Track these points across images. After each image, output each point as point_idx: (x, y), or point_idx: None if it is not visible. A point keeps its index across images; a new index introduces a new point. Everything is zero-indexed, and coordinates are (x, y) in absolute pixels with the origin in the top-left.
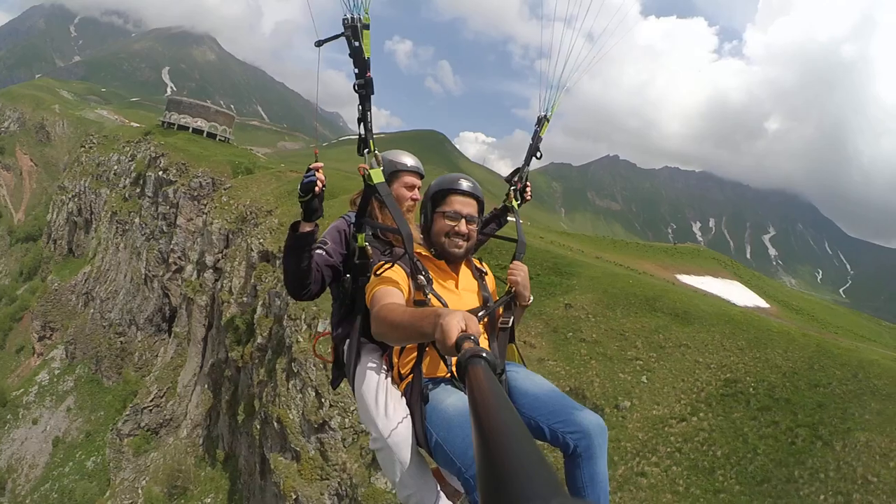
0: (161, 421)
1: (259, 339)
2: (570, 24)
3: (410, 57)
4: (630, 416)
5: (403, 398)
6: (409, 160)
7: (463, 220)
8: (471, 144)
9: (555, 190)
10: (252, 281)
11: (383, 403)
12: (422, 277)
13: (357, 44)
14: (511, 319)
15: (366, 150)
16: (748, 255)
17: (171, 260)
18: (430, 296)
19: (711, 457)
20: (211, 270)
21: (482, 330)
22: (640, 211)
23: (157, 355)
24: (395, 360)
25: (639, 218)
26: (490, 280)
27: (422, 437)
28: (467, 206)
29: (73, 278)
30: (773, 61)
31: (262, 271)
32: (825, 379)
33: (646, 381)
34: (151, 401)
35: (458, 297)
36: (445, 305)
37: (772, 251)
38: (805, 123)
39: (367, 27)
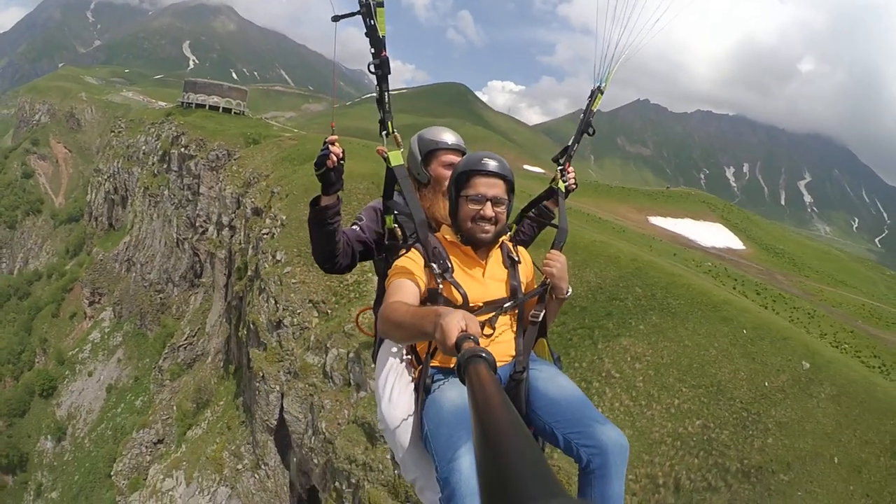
0: (193, 357)
1: (249, 272)
2: None
3: (430, 9)
4: None
5: (412, 384)
6: (448, 137)
7: (489, 203)
8: (499, 94)
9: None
10: (246, 231)
11: (390, 387)
12: (434, 266)
13: (372, 22)
14: (542, 313)
15: (384, 133)
16: (782, 202)
17: (197, 224)
18: (442, 284)
19: None
20: (227, 228)
21: (510, 321)
22: (672, 156)
23: (189, 304)
24: (417, 345)
25: (670, 163)
26: (524, 268)
27: (419, 425)
28: (493, 188)
29: (115, 248)
30: (804, 1)
31: (254, 223)
32: (624, 294)
33: None
34: (185, 339)
35: (483, 287)
36: (465, 295)
37: (807, 198)
38: (838, 67)
39: (381, 4)
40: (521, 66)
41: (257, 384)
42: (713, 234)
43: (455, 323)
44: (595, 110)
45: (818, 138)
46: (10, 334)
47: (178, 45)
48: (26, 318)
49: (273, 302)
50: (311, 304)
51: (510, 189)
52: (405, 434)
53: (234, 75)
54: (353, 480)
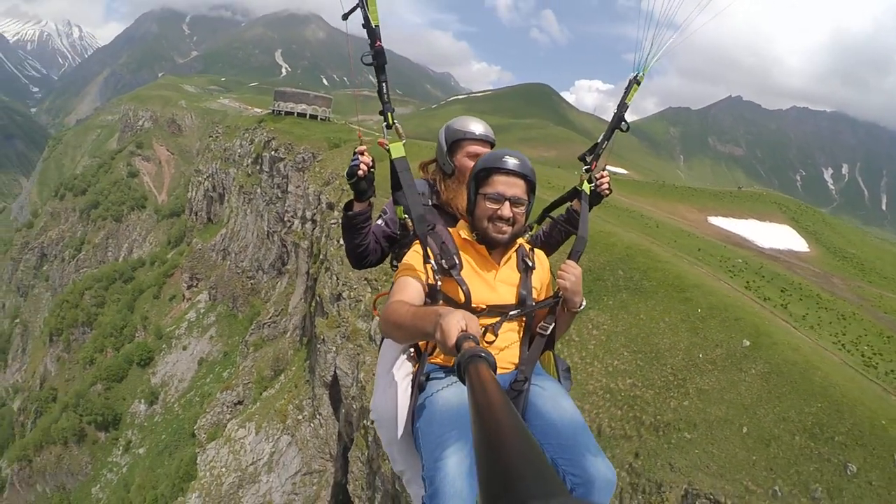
0: (276, 333)
1: (321, 256)
2: None
3: (512, 10)
4: None
5: (409, 378)
6: (476, 127)
7: (507, 203)
8: (586, 93)
9: (672, 136)
10: (320, 220)
11: (386, 381)
12: (433, 262)
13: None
14: (550, 326)
15: (384, 125)
16: (883, 207)
17: (285, 218)
18: (441, 281)
19: None
20: (310, 222)
21: (517, 328)
22: (766, 156)
23: (275, 289)
24: None
25: (764, 164)
26: (539, 275)
27: (410, 420)
28: (513, 187)
29: (213, 239)
30: None
31: (327, 216)
32: (607, 276)
33: None
34: (270, 318)
35: (492, 289)
36: (468, 294)
37: None
38: None
39: None
40: (608, 64)
41: (319, 346)
42: (776, 236)
43: (455, 323)
44: (629, 103)
45: None
46: (113, 311)
47: (270, 53)
48: (129, 298)
49: (335, 279)
50: (365, 281)
51: (531, 189)
52: (396, 427)
53: (324, 81)
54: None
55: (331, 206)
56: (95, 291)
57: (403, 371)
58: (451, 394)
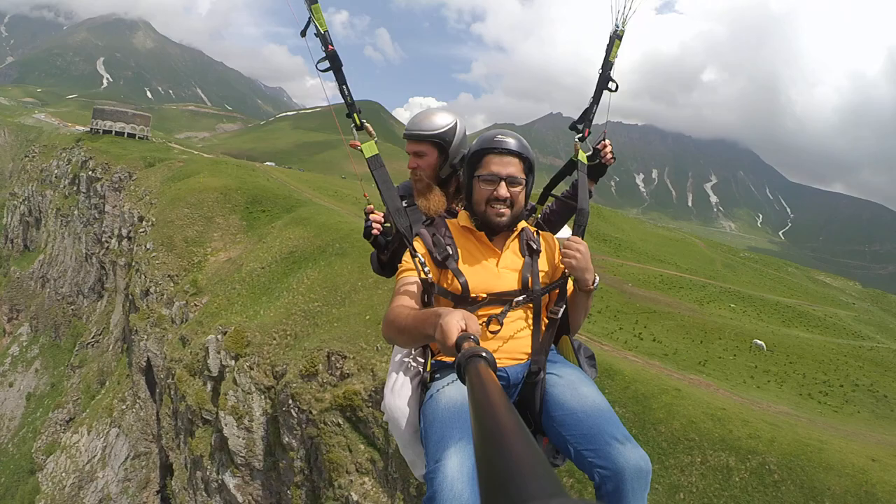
0: (100, 352)
1: (132, 262)
2: None
3: (347, 27)
4: None
5: (418, 377)
6: (410, 123)
7: (503, 183)
8: (419, 110)
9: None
10: (135, 236)
11: (395, 379)
12: (419, 258)
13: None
14: (561, 309)
15: (352, 126)
16: (689, 203)
17: (103, 239)
18: (431, 273)
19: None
20: (126, 239)
21: (526, 315)
22: None
23: (96, 310)
24: None
25: None
26: (546, 258)
27: (418, 419)
28: (508, 167)
29: (31, 267)
30: (706, 15)
31: (138, 227)
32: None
33: None
34: (93, 337)
35: (495, 276)
36: (465, 284)
37: (713, 198)
38: (739, 75)
39: (314, 1)
40: (441, 83)
41: (133, 337)
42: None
43: (455, 323)
44: (614, 61)
45: (723, 143)
46: None
47: (92, 62)
48: None
49: (144, 277)
50: (168, 277)
51: (528, 169)
52: (405, 426)
53: (148, 94)
54: (174, 374)
55: (141, 219)
56: None
57: (412, 370)
58: (454, 391)
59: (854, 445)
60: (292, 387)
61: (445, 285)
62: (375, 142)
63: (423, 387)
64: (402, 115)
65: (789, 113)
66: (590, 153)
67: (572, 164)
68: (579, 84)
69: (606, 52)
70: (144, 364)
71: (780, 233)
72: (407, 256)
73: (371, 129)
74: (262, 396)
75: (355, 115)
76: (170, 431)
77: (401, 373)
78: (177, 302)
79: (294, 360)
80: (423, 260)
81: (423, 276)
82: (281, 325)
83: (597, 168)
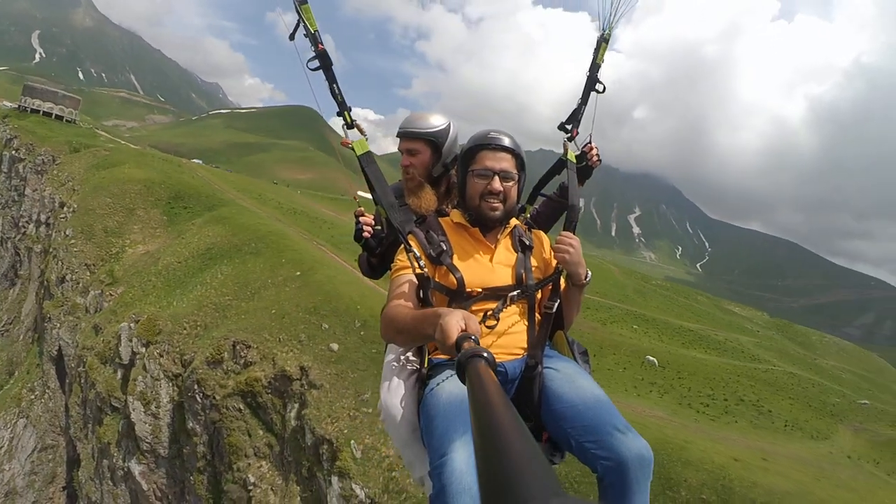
0: (10, 342)
1: (49, 248)
2: None
3: (291, 28)
4: None
5: (414, 375)
6: (404, 123)
7: (496, 177)
8: (358, 122)
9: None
10: (54, 222)
11: (390, 378)
12: (413, 255)
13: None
14: (555, 304)
15: (343, 125)
16: (613, 233)
17: (20, 224)
18: (427, 268)
19: None
20: (44, 226)
21: (521, 310)
22: None
23: (8, 298)
24: None
25: None
26: (538, 254)
27: (416, 417)
28: (501, 161)
29: None
30: (643, 56)
31: (58, 213)
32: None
33: None
34: (3, 326)
35: (489, 272)
36: (461, 279)
37: (636, 229)
38: (670, 115)
39: (304, 1)
40: (381, 96)
41: (46, 325)
42: None
43: (454, 323)
44: (601, 63)
45: (648, 177)
46: None
47: (27, 33)
48: None
49: (61, 264)
50: (85, 266)
51: (520, 166)
52: (403, 424)
53: (80, 74)
54: (85, 361)
55: (62, 205)
56: None
57: (408, 369)
58: (454, 385)
59: (720, 447)
60: (198, 373)
61: (441, 281)
62: (366, 139)
63: (419, 385)
64: (338, 123)
65: (714, 153)
66: (577, 153)
67: (561, 164)
68: (515, 110)
69: (594, 54)
70: (56, 353)
71: (698, 265)
72: (401, 255)
73: (362, 127)
74: (170, 384)
75: (346, 113)
76: (78, 421)
77: (396, 372)
78: (92, 291)
79: (202, 348)
80: (417, 254)
81: (418, 270)
82: (192, 315)
83: (583, 170)
